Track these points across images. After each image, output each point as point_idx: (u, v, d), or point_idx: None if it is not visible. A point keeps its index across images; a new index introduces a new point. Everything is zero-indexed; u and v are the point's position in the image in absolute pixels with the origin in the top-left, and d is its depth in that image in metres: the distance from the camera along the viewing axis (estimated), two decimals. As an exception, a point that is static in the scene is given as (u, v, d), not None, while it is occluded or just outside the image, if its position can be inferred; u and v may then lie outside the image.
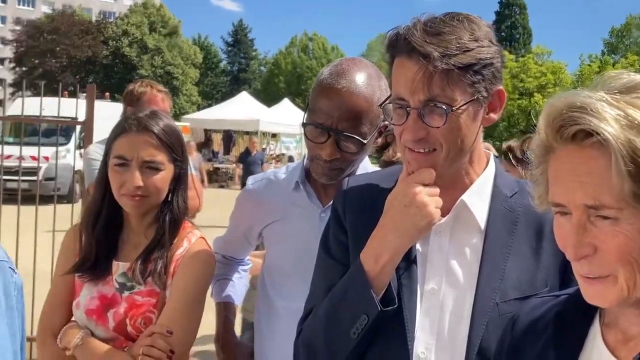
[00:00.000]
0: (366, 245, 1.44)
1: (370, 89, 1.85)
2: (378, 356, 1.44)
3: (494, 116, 1.46)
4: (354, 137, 1.83)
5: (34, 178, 9.03)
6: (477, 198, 1.49)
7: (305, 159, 2.04)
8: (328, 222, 1.64)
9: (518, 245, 1.45)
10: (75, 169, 10.30)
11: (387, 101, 1.47)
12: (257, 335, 2.16)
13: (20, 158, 5.59)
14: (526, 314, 1.21)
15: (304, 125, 1.90)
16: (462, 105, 1.36)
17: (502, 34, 60.11)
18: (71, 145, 14.54)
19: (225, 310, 2.32)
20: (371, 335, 1.42)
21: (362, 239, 1.47)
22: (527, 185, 1.42)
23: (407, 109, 1.38)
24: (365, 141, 1.85)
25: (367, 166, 2.06)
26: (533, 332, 1.16)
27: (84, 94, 6.04)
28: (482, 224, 1.47)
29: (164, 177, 1.94)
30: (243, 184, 2.74)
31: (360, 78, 1.85)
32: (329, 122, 1.83)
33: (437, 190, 1.42)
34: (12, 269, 1.19)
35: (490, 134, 32.45)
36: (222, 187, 22.13)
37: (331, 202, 1.94)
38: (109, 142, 1.95)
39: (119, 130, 1.94)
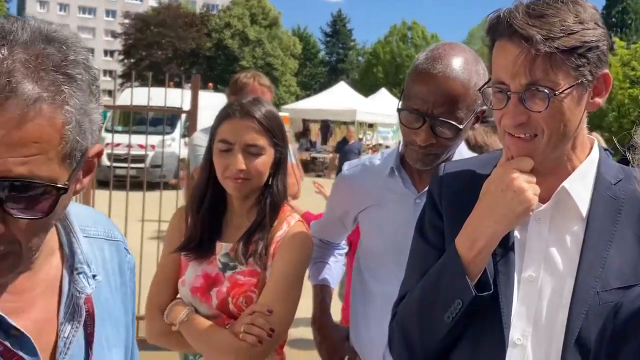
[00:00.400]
0: (461, 230, 1.44)
1: (467, 74, 1.83)
2: (473, 341, 1.44)
3: (599, 100, 1.42)
4: (450, 123, 1.82)
5: (142, 165, 9.45)
6: (579, 185, 1.45)
7: (400, 145, 2.06)
8: (424, 207, 1.65)
9: (621, 234, 1.41)
10: (180, 157, 10.72)
11: (487, 85, 1.46)
12: (352, 318, 2.20)
13: (129, 146, 5.86)
14: (630, 302, 1.18)
15: (399, 110, 1.91)
16: (565, 89, 1.33)
17: (613, 19, 57.29)
18: (176, 134, 15.13)
19: (321, 292, 2.37)
20: (466, 320, 1.42)
21: (458, 224, 1.47)
22: (634, 171, 1.38)
23: (508, 93, 1.37)
24: (461, 126, 1.84)
25: (463, 152, 2.05)
26: (637, 321, 1.13)
27: (189, 85, 6.27)
28: (584, 212, 1.43)
29: (265, 161, 2.00)
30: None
31: (456, 62, 1.84)
32: (425, 107, 1.83)
33: (534, 178, 1.40)
34: (126, 249, 1.28)
35: (599, 124, 31.02)
36: (319, 176, 22.35)
37: (426, 188, 1.95)
38: (214, 127, 2.04)
39: (223, 116, 2.02)
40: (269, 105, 2.06)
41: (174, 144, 13.53)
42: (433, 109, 1.82)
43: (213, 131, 2.04)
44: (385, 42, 62.63)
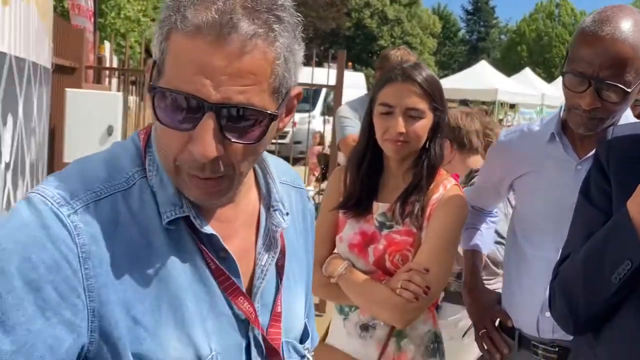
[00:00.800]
0: (634, 193, 1.42)
1: (637, 36, 1.78)
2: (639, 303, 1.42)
3: None
4: (617, 86, 1.78)
5: (285, 141, 9.80)
6: None
7: (562, 110, 2.03)
8: (589, 170, 1.63)
9: None
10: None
11: None
12: (505, 282, 2.21)
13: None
14: None
15: (562, 74, 1.89)
16: None
17: None
18: (317, 111, 15.52)
19: (472, 257, 2.40)
20: (634, 282, 1.41)
21: (627, 188, 1.44)
22: None
23: None
24: (629, 90, 1.79)
25: (629, 117, 1.98)
26: None
27: (330, 63, 6.46)
28: None
29: (424, 125, 2.05)
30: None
31: (625, 25, 1.78)
32: (590, 70, 1.79)
33: None
34: (308, 197, 1.39)
35: None
36: (456, 156, 21.97)
37: (588, 154, 1.93)
38: (375, 91, 2.11)
39: (385, 80, 2.08)
40: (429, 70, 2.11)
41: (314, 122, 13.92)
42: (599, 72, 1.78)
43: (374, 94, 2.11)
44: (531, 20, 60.03)
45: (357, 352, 2.11)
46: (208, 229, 1.06)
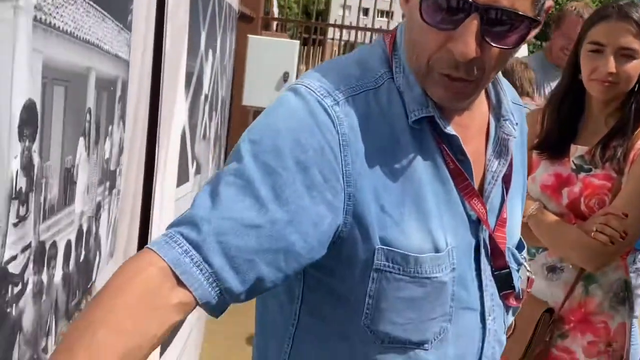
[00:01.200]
0: None
1: None
2: None
3: None
4: None
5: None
6: None
7: None
8: None
9: None
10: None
11: None
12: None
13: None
14: None
15: None
16: None
17: None
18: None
19: None
20: None
21: None
22: None
23: None
24: None
25: None
26: None
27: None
28: None
29: (636, 66, 1.96)
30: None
31: None
32: None
33: None
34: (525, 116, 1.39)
35: None
36: None
37: None
38: (585, 30, 2.04)
39: (597, 18, 2.01)
40: None
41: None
42: None
43: (583, 33, 2.04)
44: None
45: (542, 293, 2.10)
46: (450, 129, 1.11)
